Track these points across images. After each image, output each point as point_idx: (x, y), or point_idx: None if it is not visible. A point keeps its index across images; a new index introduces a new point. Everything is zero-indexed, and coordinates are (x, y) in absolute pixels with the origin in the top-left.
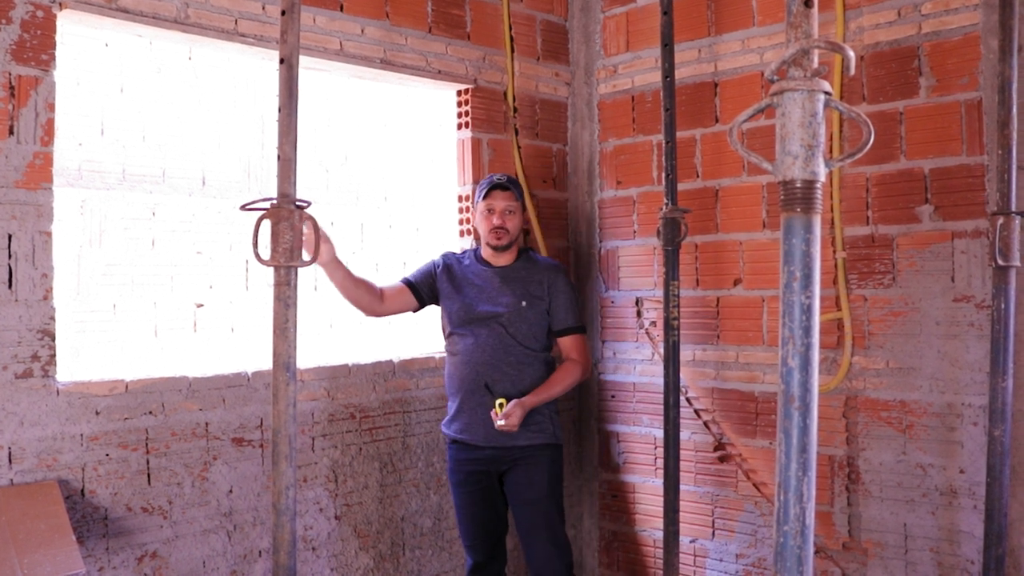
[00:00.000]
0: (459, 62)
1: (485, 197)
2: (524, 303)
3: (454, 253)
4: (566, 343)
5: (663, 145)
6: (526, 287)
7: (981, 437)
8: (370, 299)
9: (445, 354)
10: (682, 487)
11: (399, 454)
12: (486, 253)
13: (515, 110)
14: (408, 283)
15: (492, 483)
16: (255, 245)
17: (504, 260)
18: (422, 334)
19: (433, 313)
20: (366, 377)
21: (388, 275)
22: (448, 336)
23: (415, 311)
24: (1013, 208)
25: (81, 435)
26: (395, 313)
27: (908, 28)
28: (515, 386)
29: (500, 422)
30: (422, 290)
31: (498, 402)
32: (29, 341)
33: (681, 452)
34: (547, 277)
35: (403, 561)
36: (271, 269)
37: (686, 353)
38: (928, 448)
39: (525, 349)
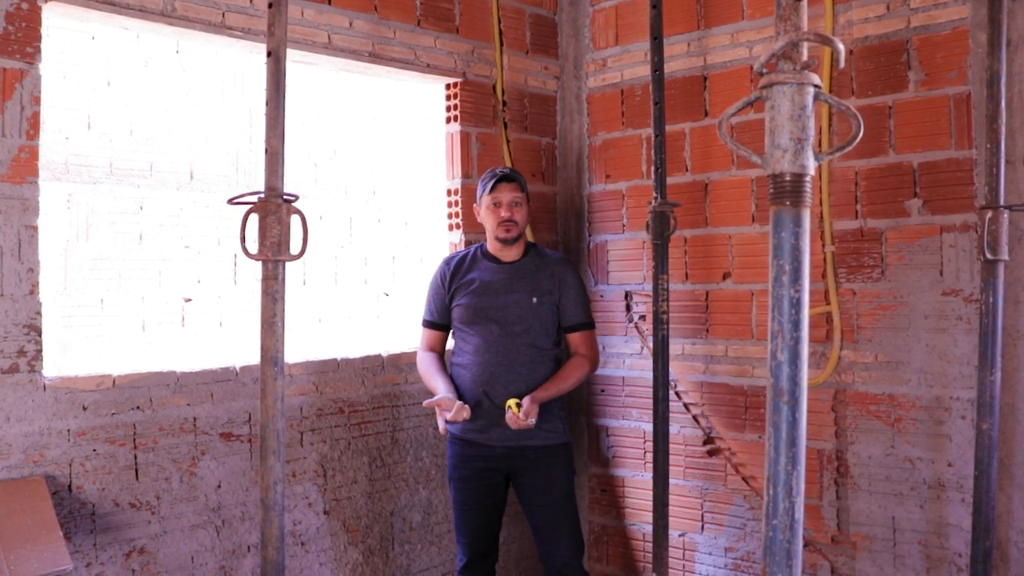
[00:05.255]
0: (448, 56)
1: (491, 191)
2: (535, 299)
3: (456, 253)
4: (575, 339)
5: (652, 139)
6: (536, 282)
7: (969, 431)
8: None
9: (452, 351)
10: (671, 481)
11: (388, 449)
12: (493, 248)
13: (504, 104)
14: (432, 324)
15: (499, 481)
16: (243, 239)
17: (512, 255)
18: (410, 328)
19: (420, 307)
20: (355, 371)
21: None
22: (455, 333)
23: None
24: (1001, 202)
25: (68, 430)
26: None
27: (897, 22)
28: (527, 385)
29: (529, 420)
30: (445, 320)
31: (512, 403)
32: (15, 336)
33: (670, 446)
34: (557, 271)
35: (392, 556)
36: (259, 263)
37: (675, 347)
38: (916, 442)
39: (535, 347)
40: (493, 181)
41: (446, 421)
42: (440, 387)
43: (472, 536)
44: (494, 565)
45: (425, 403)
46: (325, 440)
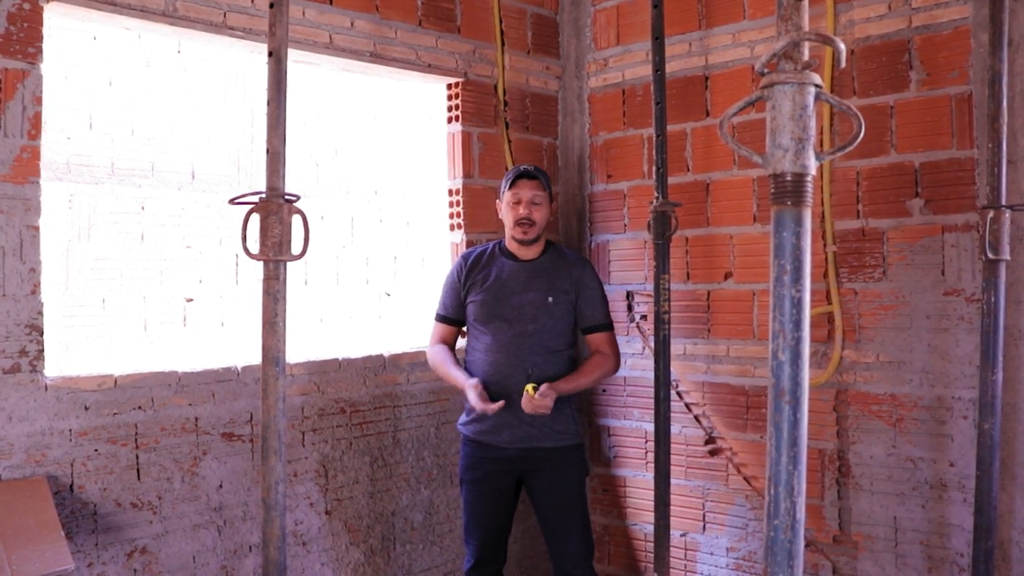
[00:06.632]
0: (449, 55)
1: (511, 186)
2: (550, 298)
3: (474, 248)
4: (596, 339)
5: (654, 139)
6: (552, 281)
7: (971, 431)
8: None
9: (465, 348)
10: (673, 481)
11: (389, 449)
12: (511, 246)
13: (505, 104)
14: (445, 319)
15: (510, 483)
16: (244, 239)
17: (531, 253)
18: (412, 328)
19: (421, 307)
20: (356, 371)
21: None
22: (468, 331)
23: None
24: (1003, 202)
25: (70, 430)
26: None
27: (899, 22)
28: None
29: (546, 402)
30: (459, 316)
31: (529, 387)
32: (17, 336)
33: (672, 446)
34: (575, 271)
35: (394, 556)
36: (260, 263)
37: (677, 347)
38: (918, 441)
39: (549, 348)
40: (514, 177)
41: (471, 410)
42: (461, 377)
43: (483, 538)
44: (501, 568)
45: (468, 385)
46: (327, 440)
